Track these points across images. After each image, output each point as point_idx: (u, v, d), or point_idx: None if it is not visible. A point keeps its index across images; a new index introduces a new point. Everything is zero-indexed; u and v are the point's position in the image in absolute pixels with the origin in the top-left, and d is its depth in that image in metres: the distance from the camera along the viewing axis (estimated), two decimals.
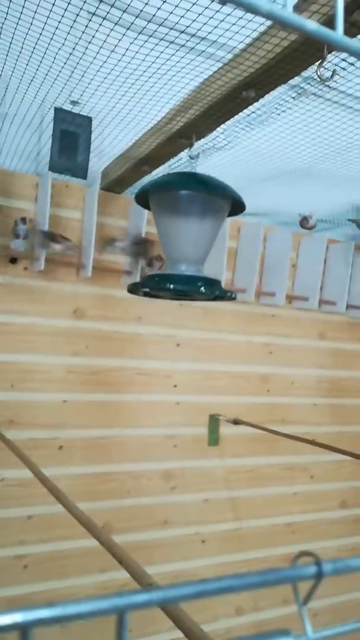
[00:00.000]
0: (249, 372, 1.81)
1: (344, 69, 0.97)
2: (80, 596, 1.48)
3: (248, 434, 1.75)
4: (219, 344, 1.75)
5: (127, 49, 0.90)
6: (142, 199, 1.17)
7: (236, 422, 1.68)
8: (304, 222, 1.66)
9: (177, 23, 0.81)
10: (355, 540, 1.99)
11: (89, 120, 1.30)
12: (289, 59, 0.89)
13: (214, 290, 1.00)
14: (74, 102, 1.17)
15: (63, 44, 0.91)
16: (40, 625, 0.19)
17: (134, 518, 1.59)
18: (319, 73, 0.96)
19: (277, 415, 1.85)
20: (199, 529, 1.69)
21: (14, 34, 0.88)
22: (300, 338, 1.92)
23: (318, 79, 0.98)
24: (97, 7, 0.79)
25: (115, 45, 0.89)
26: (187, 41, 0.87)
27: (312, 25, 0.23)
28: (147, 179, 1.48)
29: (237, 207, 1.24)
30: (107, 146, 1.42)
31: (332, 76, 0.97)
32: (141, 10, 0.78)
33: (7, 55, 0.97)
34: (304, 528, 1.87)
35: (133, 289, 1.11)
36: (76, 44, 0.91)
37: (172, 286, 0.99)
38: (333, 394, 1.98)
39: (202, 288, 0.99)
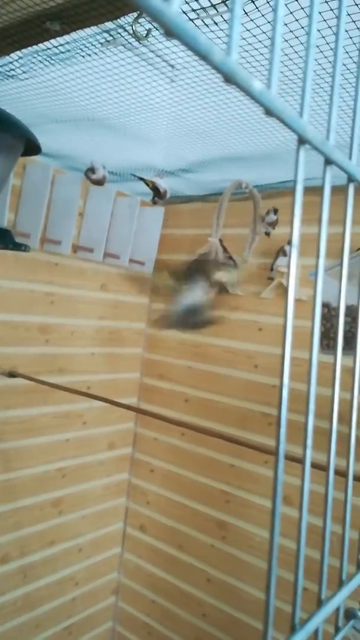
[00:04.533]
0: (29, 322, 1.73)
1: (157, 29, 0.93)
2: None
3: (24, 385, 1.70)
4: None
5: None
6: None
7: (11, 374, 1.61)
8: (89, 173, 1.61)
9: None
10: (121, 476, 2.16)
11: None
12: (104, 1, 0.82)
13: (6, 243, 0.90)
14: None
15: None
16: None
17: None
18: (134, 28, 0.91)
19: (55, 364, 1.83)
20: None
21: None
22: (82, 289, 1.91)
23: (132, 34, 0.93)
24: None
25: None
26: None
27: None
28: None
29: (31, 148, 1.13)
30: None
31: (146, 35, 0.93)
32: None
33: None
34: (75, 471, 1.95)
35: None
36: None
37: None
38: (110, 343, 2.05)
39: None
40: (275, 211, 1.67)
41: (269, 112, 0.27)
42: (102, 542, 2.11)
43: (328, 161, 0.34)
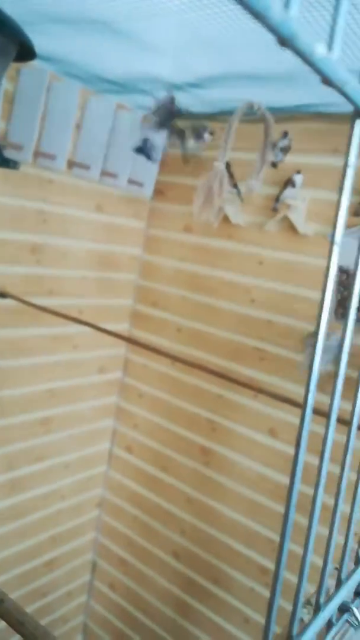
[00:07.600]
0: (19, 240, 1.66)
1: None
2: None
3: (14, 305, 1.66)
4: None
5: None
6: None
7: (1, 295, 1.57)
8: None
9: None
10: (110, 399, 2.19)
11: None
12: None
13: None
14: None
15: None
16: None
17: None
18: None
19: (45, 286, 1.79)
20: None
21: None
22: (76, 208, 1.82)
23: None
24: None
25: None
26: None
27: None
28: None
29: (24, 52, 1.02)
30: None
31: None
32: None
33: None
34: (64, 393, 1.97)
35: None
36: None
37: None
38: (103, 267, 1.99)
39: None
40: (286, 134, 1.57)
41: (327, 80, 0.25)
42: (89, 460, 2.17)
43: None
